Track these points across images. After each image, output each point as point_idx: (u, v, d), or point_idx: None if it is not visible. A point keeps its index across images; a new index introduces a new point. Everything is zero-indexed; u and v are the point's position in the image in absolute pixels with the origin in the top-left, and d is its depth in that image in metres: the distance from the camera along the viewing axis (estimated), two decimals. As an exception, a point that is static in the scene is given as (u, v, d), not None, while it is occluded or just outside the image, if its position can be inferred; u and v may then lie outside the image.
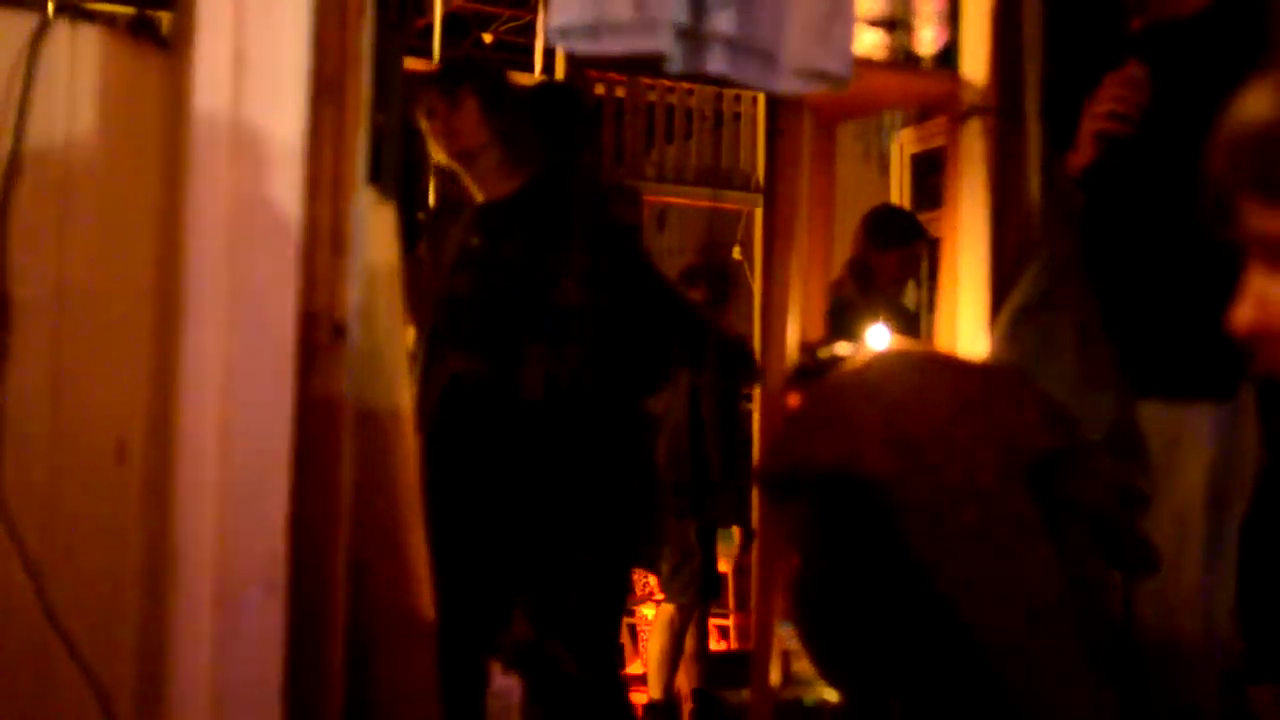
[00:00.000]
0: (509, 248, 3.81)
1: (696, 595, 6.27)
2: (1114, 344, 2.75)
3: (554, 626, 3.84)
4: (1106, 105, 2.95)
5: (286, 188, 1.91)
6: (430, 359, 3.81)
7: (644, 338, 3.89)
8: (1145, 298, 2.82)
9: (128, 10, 5.23)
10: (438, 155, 3.87)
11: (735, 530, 6.62)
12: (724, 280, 6.64)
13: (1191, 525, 2.82)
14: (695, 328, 4.11)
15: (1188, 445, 2.78)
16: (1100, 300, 2.82)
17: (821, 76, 2.67)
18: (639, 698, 6.30)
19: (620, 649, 4.47)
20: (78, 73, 2.12)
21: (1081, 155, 2.96)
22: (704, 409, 6.11)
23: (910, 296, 6.05)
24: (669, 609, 6.29)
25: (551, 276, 3.76)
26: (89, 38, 2.13)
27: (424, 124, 3.83)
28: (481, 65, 3.98)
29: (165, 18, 4.60)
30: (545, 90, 4.96)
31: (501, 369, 3.76)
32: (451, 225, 3.97)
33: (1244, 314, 1.17)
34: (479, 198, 3.89)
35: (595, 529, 3.90)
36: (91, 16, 2.67)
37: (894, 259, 5.44)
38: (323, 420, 1.92)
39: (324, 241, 1.96)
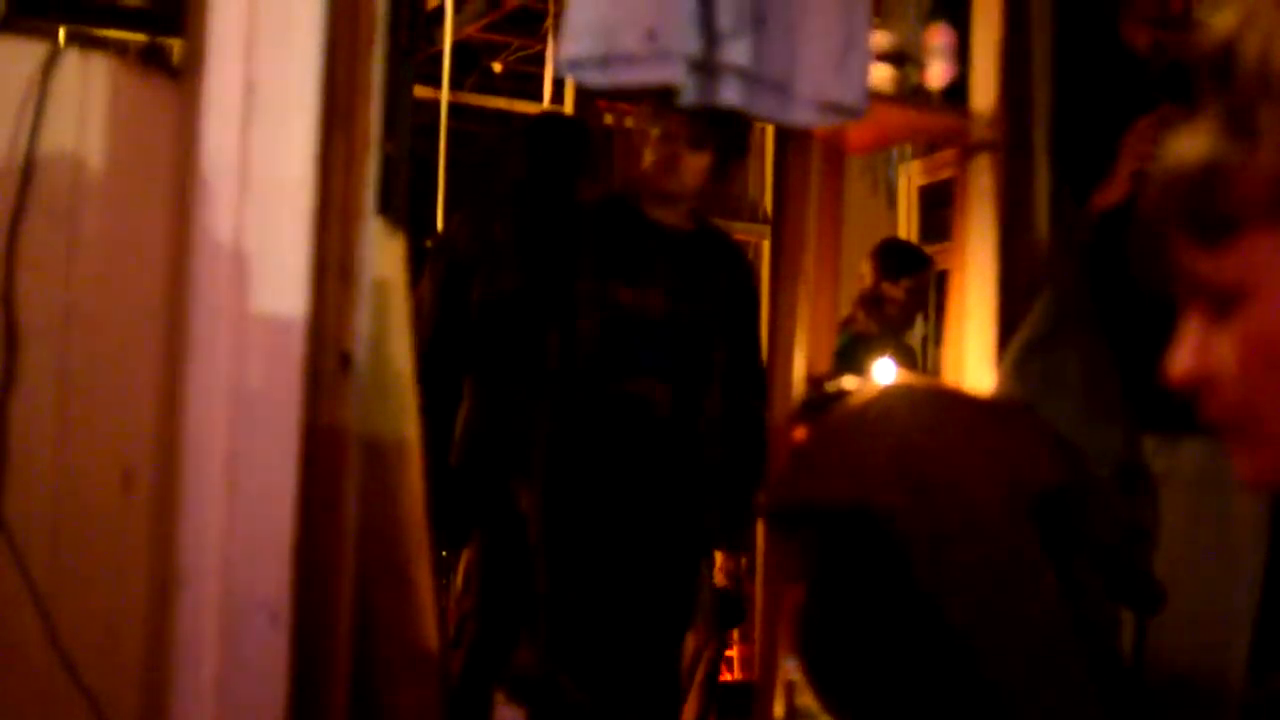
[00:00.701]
0: (698, 280, 3.82)
1: (711, 625, 6.26)
2: (1122, 378, 2.75)
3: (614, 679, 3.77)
4: (1148, 146, 2.96)
5: (296, 217, 1.91)
6: (586, 374, 3.76)
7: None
8: (1158, 332, 2.82)
9: (139, 38, 5.25)
10: (651, 173, 3.81)
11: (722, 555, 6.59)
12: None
13: (1242, 558, 2.82)
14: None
15: (1225, 476, 2.77)
16: (1108, 335, 2.82)
17: (836, 109, 2.67)
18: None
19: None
20: (88, 101, 2.12)
21: (1115, 193, 2.97)
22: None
23: (918, 330, 6.06)
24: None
25: (717, 303, 3.79)
26: (99, 66, 2.14)
27: (652, 134, 3.79)
28: (731, 119, 3.93)
29: (176, 46, 4.62)
30: (547, 120, 4.97)
31: (687, 395, 3.76)
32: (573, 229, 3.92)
33: (1182, 363, 1.14)
34: (654, 218, 3.84)
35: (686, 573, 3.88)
36: (102, 45, 2.68)
37: (904, 288, 5.47)
38: (329, 449, 1.92)
39: (333, 270, 1.96)
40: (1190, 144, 1.12)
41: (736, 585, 6.30)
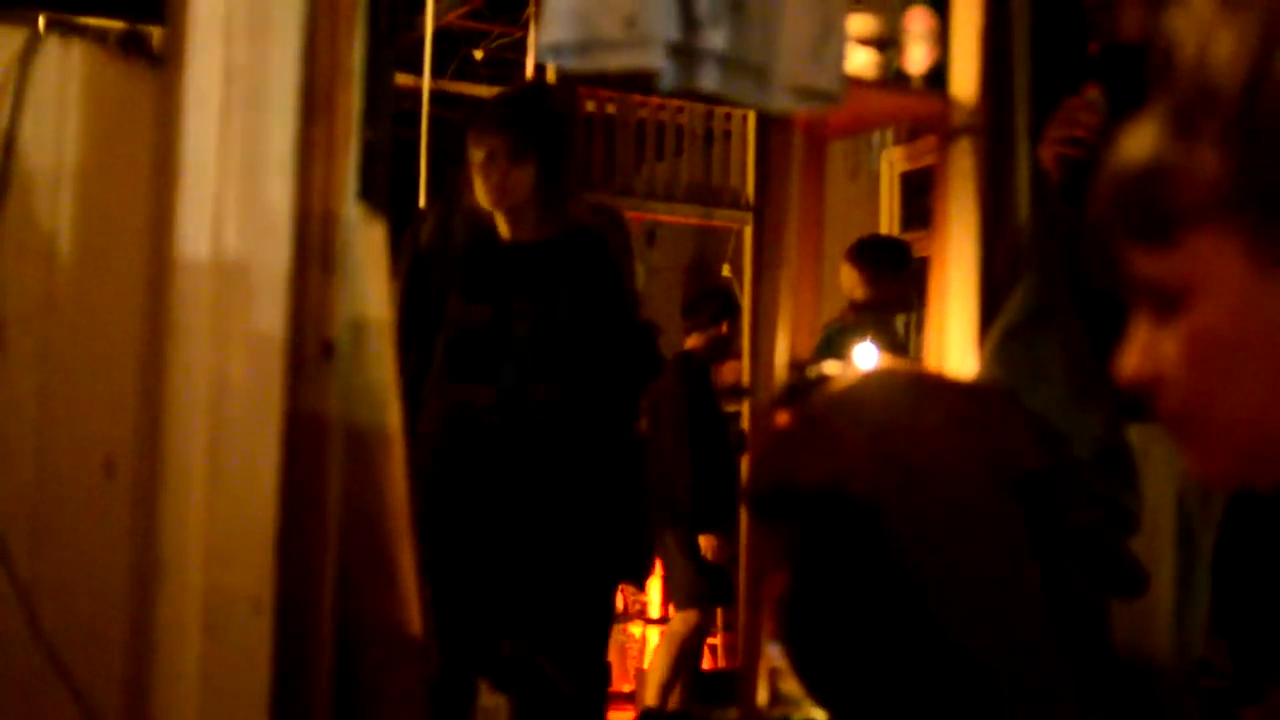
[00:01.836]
0: (538, 289, 3.92)
1: (700, 604, 6.30)
2: (1101, 363, 2.75)
3: (544, 643, 3.87)
4: (1062, 130, 2.99)
5: (276, 204, 1.91)
6: (437, 384, 3.91)
7: (616, 359, 4.00)
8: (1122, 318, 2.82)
9: (119, 25, 5.23)
10: (480, 196, 3.95)
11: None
12: (731, 305, 6.71)
13: (1160, 541, 2.83)
14: (644, 341, 4.20)
15: (1156, 461, 2.79)
16: (1088, 319, 2.83)
17: (814, 94, 2.67)
18: (624, 716, 6.29)
19: (608, 666, 4.50)
20: (68, 87, 2.11)
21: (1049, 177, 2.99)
22: (664, 417, 6.16)
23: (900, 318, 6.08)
24: (673, 619, 6.33)
25: (557, 309, 3.89)
26: (79, 52, 2.13)
27: (476, 160, 3.90)
28: (550, 123, 4.03)
29: (156, 33, 4.60)
30: (522, 94, 4.97)
31: (513, 397, 3.87)
32: (447, 247, 4.03)
33: (1131, 363, 1.15)
34: (505, 234, 3.98)
35: (585, 545, 3.94)
36: (82, 31, 2.67)
37: (889, 287, 5.48)
38: (311, 438, 1.91)
39: (314, 258, 1.96)
40: (1135, 144, 1.13)
41: (727, 562, 6.32)
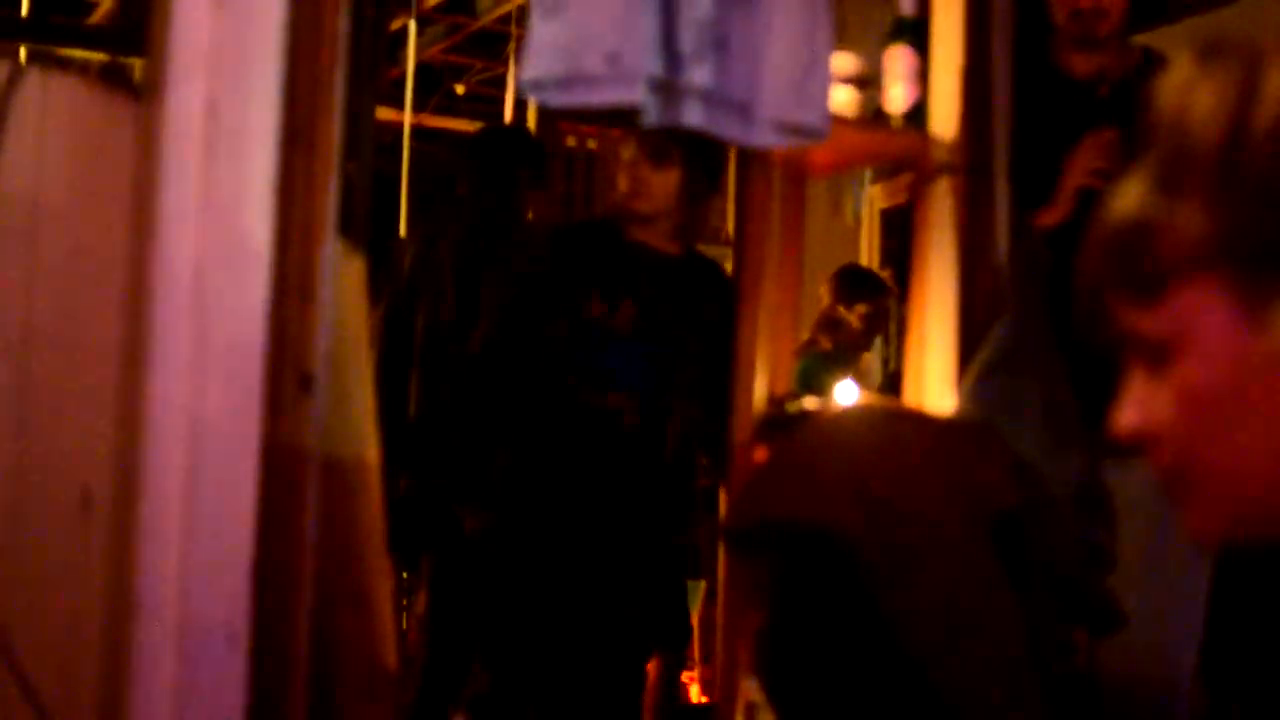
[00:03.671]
0: (669, 304, 3.84)
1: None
2: (1080, 402, 2.76)
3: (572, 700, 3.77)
4: (1091, 163, 3.00)
5: (256, 237, 1.91)
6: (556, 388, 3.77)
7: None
8: (1110, 355, 2.83)
9: (100, 58, 5.23)
10: (620, 197, 3.85)
11: (701, 583, 6.61)
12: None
13: (1187, 576, 2.83)
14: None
15: (1136, 498, 2.79)
16: (1066, 358, 2.84)
17: (797, 131, 2.68)
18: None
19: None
20: (48, 119, 2.11)
21: (1058, 211, 3.01)
22: None
23: (877, 351, 6.11)
24: None
25: (697, 329, 3.81)
26: (60, 85, 2.13)
27: (625, 157, 3.81)
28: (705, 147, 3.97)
29: (137, 65, 4.61)
30: (492, 134, 4.97)
31: (658, 409, 3.79)
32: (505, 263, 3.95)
33: (1127, 418, 1.16)
34: (637, 240, 3.86)
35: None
36: (64, 64, 2.67)
37: (859, 314, 5.51)
38: (289, 470, 1.91)
39: (293, 291, 1.96)
40: (1122, 201, 1.15)
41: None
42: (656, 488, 3.80)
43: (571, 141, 7.43)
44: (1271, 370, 1.07)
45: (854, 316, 5.49)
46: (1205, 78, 1.10)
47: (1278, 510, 1.11)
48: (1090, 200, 3.02)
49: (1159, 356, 1.12)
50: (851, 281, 5.71)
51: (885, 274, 6.04)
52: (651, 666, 6.28)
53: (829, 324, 5.48)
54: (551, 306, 3.78)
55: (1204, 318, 1.09)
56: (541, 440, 3.76)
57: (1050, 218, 3.09)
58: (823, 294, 5.61)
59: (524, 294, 3.86)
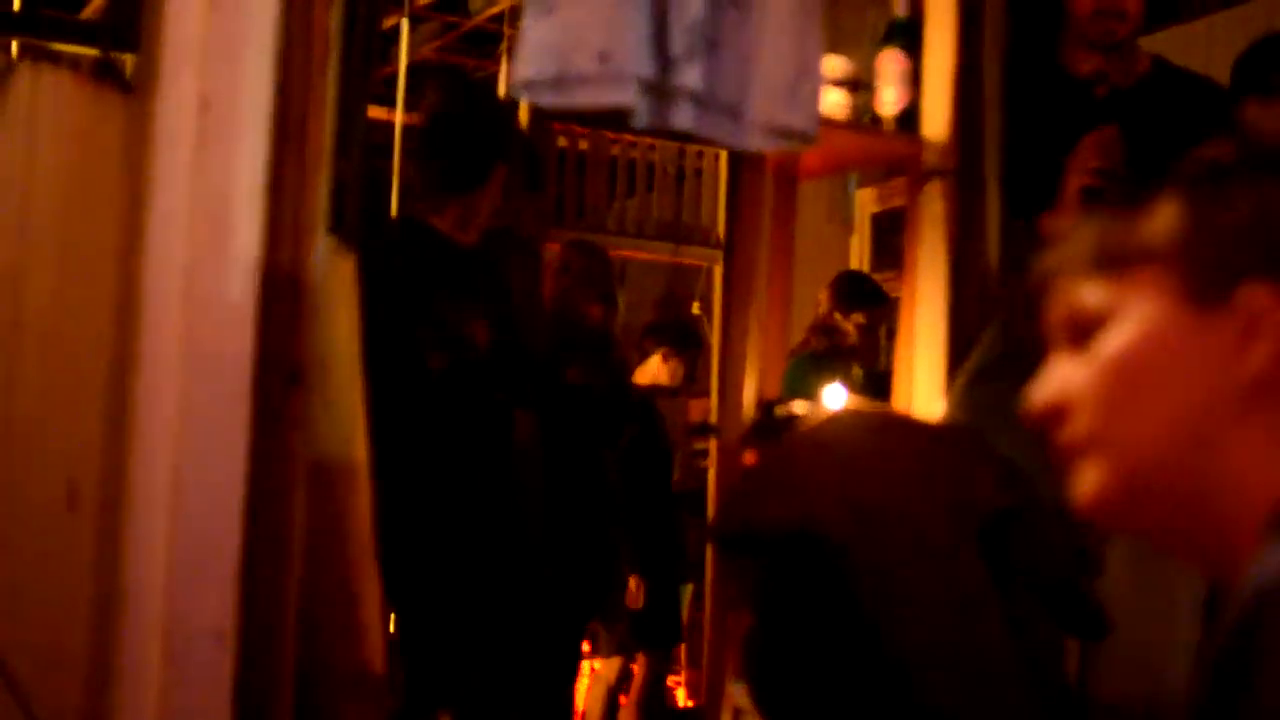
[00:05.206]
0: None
1: (623, 651, 6.24)
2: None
3: (510, 681, 3.82)
4: (1094, 162, 3.00)
5: (247, 233, 1.91)
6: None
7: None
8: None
9: (92, 53, 5.23)
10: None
11: (689, 587, 6.60)
12: (688, 336, 6.67)
13: (1180, 582, 2.84)
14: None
15: None
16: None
17: (787, 134, 2.68)
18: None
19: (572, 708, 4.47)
20: (39, 114, 2.11)
21: (1066, 213, 3.00)
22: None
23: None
24: (600, 666, 6.28)
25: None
26: (51, 80, 2.13)
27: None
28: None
29: (130, 61, 4.60)
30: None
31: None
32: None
33: (1042, 393, 1.22)
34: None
35: (564, 581, 3.92)
36: (55, 59, 2.66)
37: (854, 322, 5.49)
38: (277, 469, 1.91)
39: (283, 288, 1.95)
40: (1131, 196, 1.21)
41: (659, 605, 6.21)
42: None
43: (564, 143, 7.42)
44: (1195, 362, 1.13)
45: (850, 325, 5.48)
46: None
47: (1161, 490, 1.15)
48: (1094, 200, 3.02)
49: (1088, 333, 1.19)
50: (850, 289, 5.69)
51: (883, 279, 6.04)
52: (638, 669, 6.29)
53: (824, 330, 5.47)
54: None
55: (1148, 300, 1.15)
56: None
57: (1056, 221, 3.08)
58: (821, 299, 5.60)
59: None
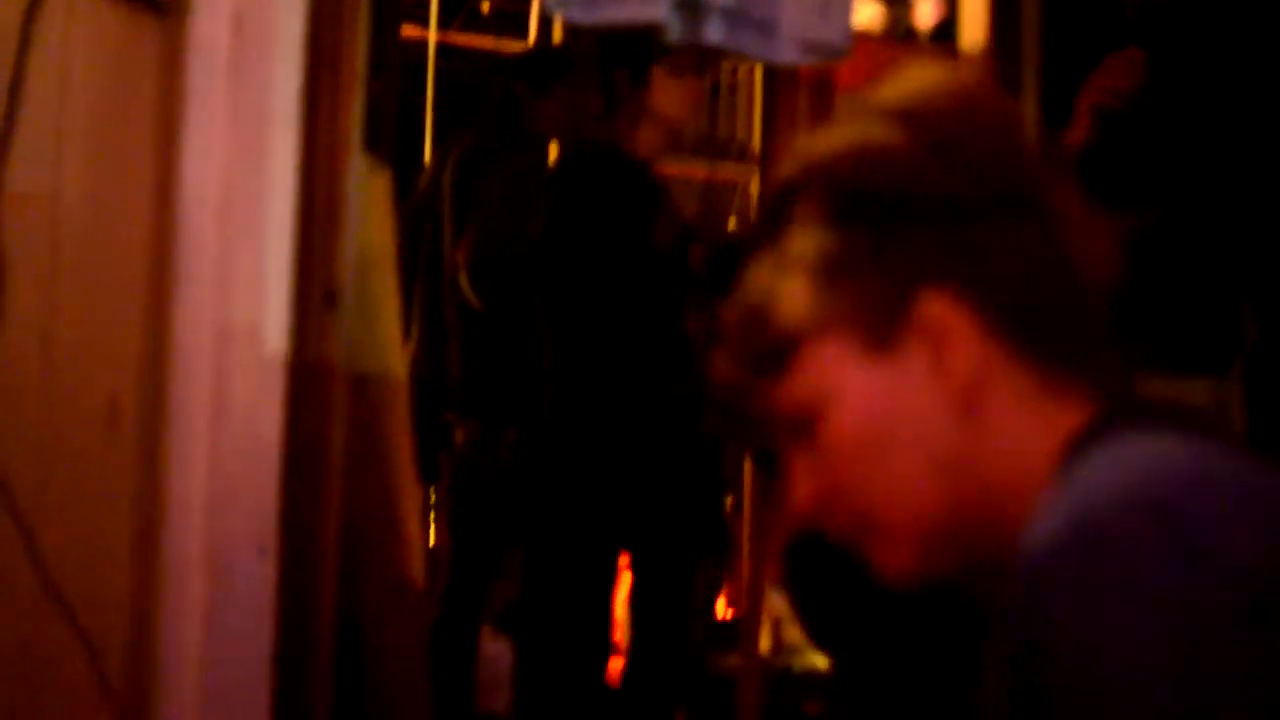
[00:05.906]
0: None
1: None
2: (1111, 319, 2.76)
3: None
4: (1109, 81, 2.98)
5: (282, 154, 1.91)
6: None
7: None
8: (1141, 275, 2.83)
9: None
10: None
11: (727, 500, 6.60)
12: (732, 263, 6.63)
13: None
14: None
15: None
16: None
17: (819, 48, 2.67)
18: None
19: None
20: (72, 37, 2.11)
21: (1077, 131, 2.97)
22: None
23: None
24: None
25: None
26: (84, 3, 2.13)
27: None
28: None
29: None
30: (535, 55, 4.95)
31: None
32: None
33: (799, 495, 1.17)
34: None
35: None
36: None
37: None
38: (316, 384, 1.92)
39: (319, 207, 1.96)
40: (746, 288, 1.17)
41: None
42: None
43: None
44: (909, 400, 1.10)
45: None
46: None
47: (954, 528, 1.12)
48: (1110, 122, 2.99)
49: (805, 428, 1.14)
50: None
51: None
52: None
53: None
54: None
55: (834, 372, 1.11)
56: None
57: (1070, 138, 3.06)
58: None
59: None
